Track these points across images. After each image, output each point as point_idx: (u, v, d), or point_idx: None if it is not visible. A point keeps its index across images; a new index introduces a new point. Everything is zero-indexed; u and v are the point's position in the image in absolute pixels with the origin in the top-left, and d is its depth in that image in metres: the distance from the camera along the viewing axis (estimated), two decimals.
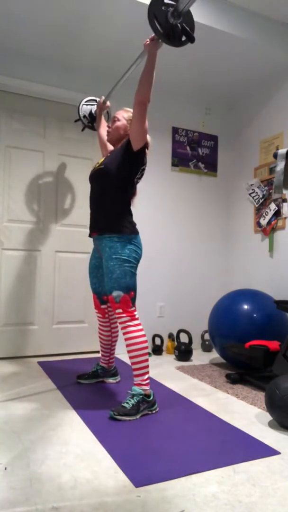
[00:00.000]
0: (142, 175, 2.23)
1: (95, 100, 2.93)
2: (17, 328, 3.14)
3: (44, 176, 3.28)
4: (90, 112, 2.87)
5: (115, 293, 2.06)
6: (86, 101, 2.92)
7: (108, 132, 2.33)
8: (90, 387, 2.42)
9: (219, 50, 3.01)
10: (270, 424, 1.89)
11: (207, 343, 3.60)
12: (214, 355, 3.48)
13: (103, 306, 2.42)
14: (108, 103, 2.83)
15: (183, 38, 1.85)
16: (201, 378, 2.68)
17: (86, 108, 2.87)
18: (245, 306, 2.85)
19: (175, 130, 3.69)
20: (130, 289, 2.08)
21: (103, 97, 2.75)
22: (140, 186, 3.54)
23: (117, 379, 2.56)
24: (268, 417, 1.99)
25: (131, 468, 1.43)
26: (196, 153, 3.78)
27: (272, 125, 3.42)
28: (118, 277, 2.07)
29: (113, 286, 2.07)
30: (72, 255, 3.34)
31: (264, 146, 3.50)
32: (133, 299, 2.09)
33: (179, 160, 3.70)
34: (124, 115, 2.31)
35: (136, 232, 2.15)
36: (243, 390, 2.43)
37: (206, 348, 3.59)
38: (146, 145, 2.14)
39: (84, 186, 3.41)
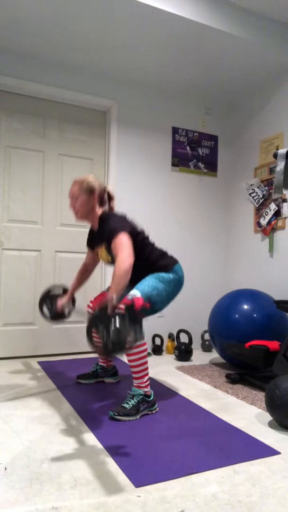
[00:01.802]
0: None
1: (49, 295, 2.57)
2: (17, 328, 3.14)
3: (44, 176, 3.28)
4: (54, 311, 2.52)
5: (133, 291, 2.02)
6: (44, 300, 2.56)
7: (75, 212, 2.22)
8: (90, 387, 2.42)
9: (219, 50, 3.01)
10: (270, 424, 1.89)
11: (207, 343, 3.60)
12: (214, 355, 3.48)
13: None
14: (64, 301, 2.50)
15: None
16: (201, 378, 2.68)
17: (46, 309, 2.54)
18: (245, 306, 2.85)
19: (175, 130, 3.69)
20: (149, 301, 2.04)
21: (60, 302, 2.47)
22: (141, 186, 3.56)
23: (117, 378, 2.56)
24: (268, 417, 1.99)
25: (131, 468, 1.42)
26: (196, 153, 3.78)
27: (272, 125, 3.42)
28: (147, 284, 2.07)
29: (137, 287, 2.06)
30: (72, 255, 3.34)
31: (264, 146, 3.50)
32: (143, 309, 2.01)
33: (179, 160, 3.70)
34: (76, 191, 2.18)
35: (172, 268, 2.17)
36: (243, 390, 2.42)
37: (206, 348, 3.59)
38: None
39: None
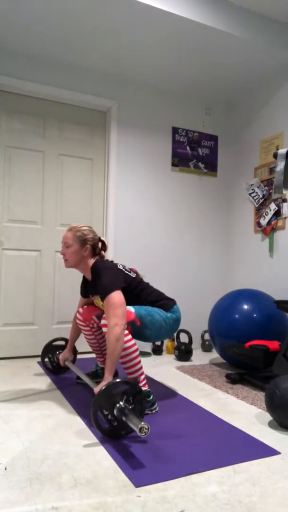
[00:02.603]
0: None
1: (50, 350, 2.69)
2: (17, 328, 3.14)
3: (44, 176, 3.28)
4: (54, 364, 2.66)
5: (128, 307, 2.05)
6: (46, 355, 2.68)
7: (65, 260, 2.22)
8: (90, 387, 2.42)
9: (219, 50, 3.01)
10: (270, 424, 1.89)
11: (207, 343, 3.60)
12: (214, 355, 3.48)
13: (94, 317, 2.40)
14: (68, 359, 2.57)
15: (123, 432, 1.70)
16: (201, 378, 2.68)
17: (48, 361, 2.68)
18: (245, 306, 2.85)
19: (175, 130, 3.69)
20: (140, 319, 2.04)
21: (62, 357, 2.53)
22: (140, 186, 3.56)
23: (117, 379, 2.55)
24: (268, 417, 1.99)
25: (131, 468, 1.42)
26: (196, 153, 3.78)
27: (272, 125, 3.42)
28: (145, 308, 2.09)
29: (134, 306, 2.08)
30: None
31: (264, 146, 3.50)
32: (133, 324, 2.02)
33: (179, 160, 3.70)
34: (69, 239, 2.19)
35: (169, 307, 2.20)
36: (243, 390, 2.42)
37: (206, 348, 3.59)
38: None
39: (84, 186, 3.41)
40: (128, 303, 2.17)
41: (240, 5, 2.84)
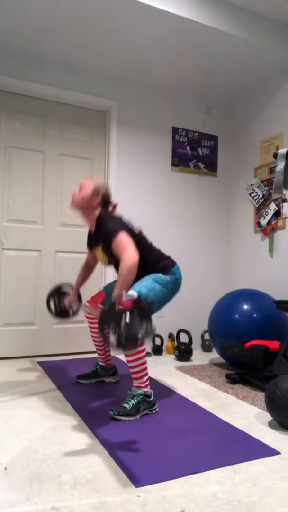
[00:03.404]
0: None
1: (58, 292, 2.66)
2: (17, 328, 3.14)
3: (44, 176, 3.28)
4: (60, 308, 2.63)
5: (130, 292, 2.01)
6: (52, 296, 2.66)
7: (72, 199, 2.24)
8: (90, 386, 2.42)
9: (219, 50, 3.01)
10: (270, 424, 1.89)
11: (207, 343, 3.60)
12: (214, 355, 3.48)
13: (100, 305, 2.42)
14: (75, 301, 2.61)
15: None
16: (201, 378, 2.68)
17: (52, 304, 2.64)
18: (245, 306, 2.85)
19: (175, 130, 3.69)
20: (145, 298, 2.04)
21: (67, 301, 2.55)
22: (141, 186, 3.56)
23: (117, 378, 2.56)
24: (268, 417, 1.99)
25: (131, 468, 1.42)
26: (196, 153, 3.78)
27: (272, 125, 3.42)
28: (144, 285, 2.07)
29: (134, 288, 2.06)
30: (72, 255, 3.34)
31: (264, 146, 3.50)
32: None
33: (179, 160, 3.70)
34: (85, 184, 2.23)
35: (169, 270, 2.18)
36: (243, 390, 2.42)
37: (206, 348, 3.59)
38: None
39: None
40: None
41: (240, 5, 2.84)
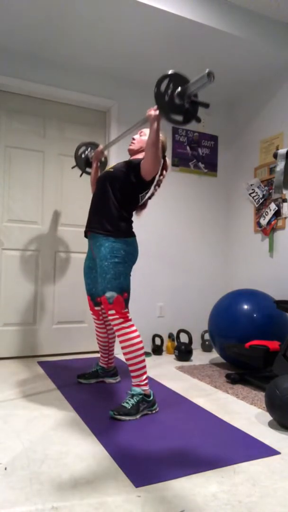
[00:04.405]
0: (152, 194, 2.35)
1: (93, 144, 2.89)
2: (17, 328, 3.14)
3: (44, 176, 3.28)
4: (86, 156, 2.87)
5: (108, 294, 2.05)
6: (85, 145, 2.89)
7: (132, 142, 2.32)
8: (90, 387, 2.42)
9: (219, 50, 3.01)
10: (270, 424, 1.89)
11: (207, 343, 3.60)
12: (214, 355, 3.48)
13: (97, 308, 2.42)
14: (105, 152, 2.84)
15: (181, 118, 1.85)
16: (201, 378, 2.68)
17: (83, 153, 2.88)
18: (245, 306, 2.85)
19: (175, 130, 3.69)
20: (124, 290, 2.07)
21: (101, 146, 2.63)
22: None
23: (117, 379, 2.56)
24: (268, 417, 1.99)
25: (131, 468, 1.43)
26: (196, 153, 3.78)
27: (272, 125, 3.42)
28: (112, 278, 2.06)
29: (106, 286, 2.06)
30: (72, 255, 3.34)
31: (264, 146, 3.50)
32: (127, 301, 2.08)
33: (179, 160, 3.70)
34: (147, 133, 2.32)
35: (132, 235, 2.16)
36: (243, 390, 2.43)
37: (206, 348, 3.59)
38: (156, 174, 2.15)
39: (84, 186, 3.41)
40: (116, 192, 2.15)
41: (240, 5, 2.84)
